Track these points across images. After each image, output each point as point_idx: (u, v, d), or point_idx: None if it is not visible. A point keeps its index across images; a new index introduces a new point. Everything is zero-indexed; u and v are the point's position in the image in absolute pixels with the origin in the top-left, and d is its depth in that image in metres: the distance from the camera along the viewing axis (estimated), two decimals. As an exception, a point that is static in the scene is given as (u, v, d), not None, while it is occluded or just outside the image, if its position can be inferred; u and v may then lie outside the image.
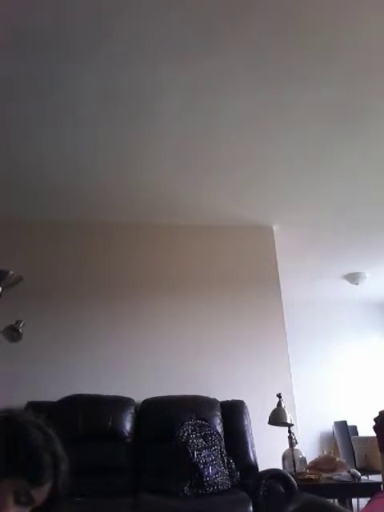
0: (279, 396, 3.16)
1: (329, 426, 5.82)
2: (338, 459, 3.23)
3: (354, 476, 2.84)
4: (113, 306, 3.78)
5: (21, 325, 3.21)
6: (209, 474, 2.80)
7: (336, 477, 2.88)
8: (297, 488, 2.56)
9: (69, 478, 0.87)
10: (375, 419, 2.79)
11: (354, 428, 5.46)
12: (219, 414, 3.27)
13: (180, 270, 3.99)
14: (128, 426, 3.17)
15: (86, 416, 3.12)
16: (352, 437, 4.99)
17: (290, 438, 3.04)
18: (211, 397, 3.36)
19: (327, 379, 6.13)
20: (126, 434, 3.14)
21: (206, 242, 4.13)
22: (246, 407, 3.34)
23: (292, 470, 2.91)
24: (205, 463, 2.84)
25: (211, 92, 2.62)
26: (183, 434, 2.97)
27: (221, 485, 2.79)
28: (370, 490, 2.76)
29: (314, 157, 3.26)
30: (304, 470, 2.95)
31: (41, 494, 0.80)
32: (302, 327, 6.06)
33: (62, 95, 2.61)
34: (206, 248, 4.10)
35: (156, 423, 3.19)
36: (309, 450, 3.91)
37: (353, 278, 5.53)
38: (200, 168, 3.38)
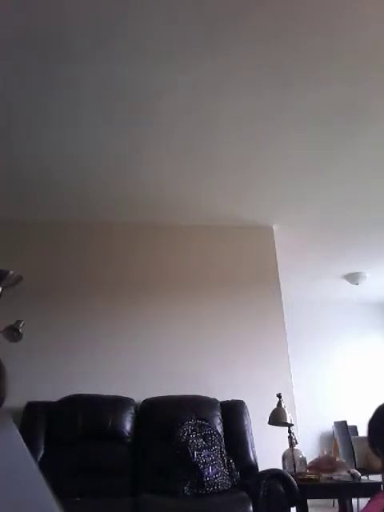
0: (279, 396, 3.16)
1: (329, 426, 5.82)
2: (338, 459, 3.23)
3: (353, 476, 2.84)
4: (113, 306, 3.77)
5: (21, 325, 3.21)
6: (209, 473, 2.80)
7: (336, 477, 2.87)
8: (297, 488, 2.56)
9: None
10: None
11: (354, 428, 5.45)
12: (219, 414, 3.27)
13: (180, 270, 3.98)
14: (128, 425, 3.17)
15: (86, 416, 3.12)
16: (352, 437, 4.99)
17: (290, 437, 3.04)
18: (211, 397, 3.36)
19: (327, 379, 6.13)
20: (126, 434, 3.14)
21: (206, 241, 4.13)
22: (246, 407, 3.34)
23: (292, 470, 2.91)
24: (205, 463, 2.84)
25: (211, 92, 2.63)
26: (183, 434, 2.97)
27: (221, 485, 2.79)
28: (370, 490, 2.75)
29: (314, 157, 3.26)
30: (304, 470, 2.95)
31: None
32: (302, 327, 6.06)
33: (62, 95, 2.61)
34: (206, 248, 4.10)
35: (156, 423, 3.19)
36: (309, 450, 3.91)
37: (353, 278, 5.53)
38: (200, 168, 3.38)
